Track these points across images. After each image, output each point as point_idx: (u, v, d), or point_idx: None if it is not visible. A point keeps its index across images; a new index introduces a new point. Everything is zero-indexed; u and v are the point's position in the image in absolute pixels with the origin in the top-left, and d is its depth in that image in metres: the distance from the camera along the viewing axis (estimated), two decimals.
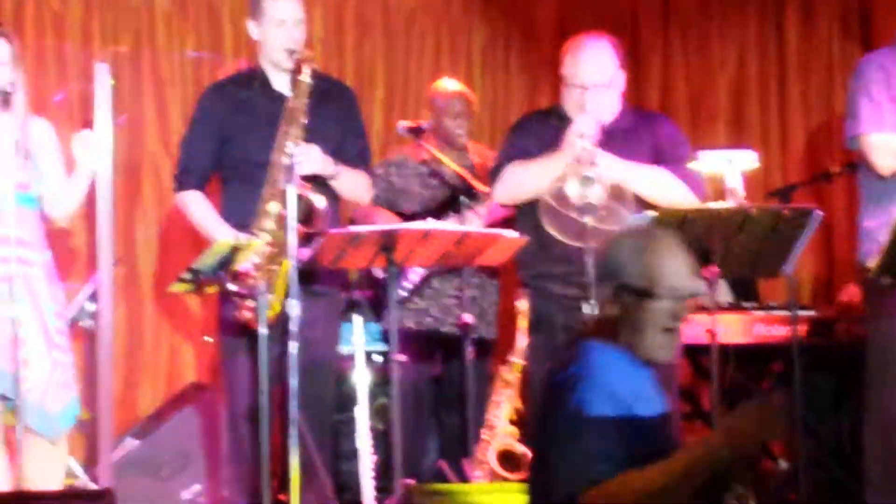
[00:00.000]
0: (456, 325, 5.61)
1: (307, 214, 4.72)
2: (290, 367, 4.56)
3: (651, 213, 4.57)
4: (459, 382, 5.60)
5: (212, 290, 4.71)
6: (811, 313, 5.91)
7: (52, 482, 4.69)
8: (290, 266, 4.61)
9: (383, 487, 5.06)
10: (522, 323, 5.32)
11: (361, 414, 5.09)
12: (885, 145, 4.85)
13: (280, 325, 4.67)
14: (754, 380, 6.05)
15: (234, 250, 4.60)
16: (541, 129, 5.06)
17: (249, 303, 4.70)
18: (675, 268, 3.19)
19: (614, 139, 4.90)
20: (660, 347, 3.19)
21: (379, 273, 5.64)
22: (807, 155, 7.30)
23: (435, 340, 5.85)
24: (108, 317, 5.07)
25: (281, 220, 4.74)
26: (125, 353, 6.45)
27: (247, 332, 4.76)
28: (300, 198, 4.66)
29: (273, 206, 4.82)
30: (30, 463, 4.57)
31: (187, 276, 4.60)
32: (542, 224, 4.80)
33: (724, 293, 5.86)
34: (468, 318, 5.50)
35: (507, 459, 5.42)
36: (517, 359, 5.45)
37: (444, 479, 5.53)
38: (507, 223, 5.35)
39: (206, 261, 4.59)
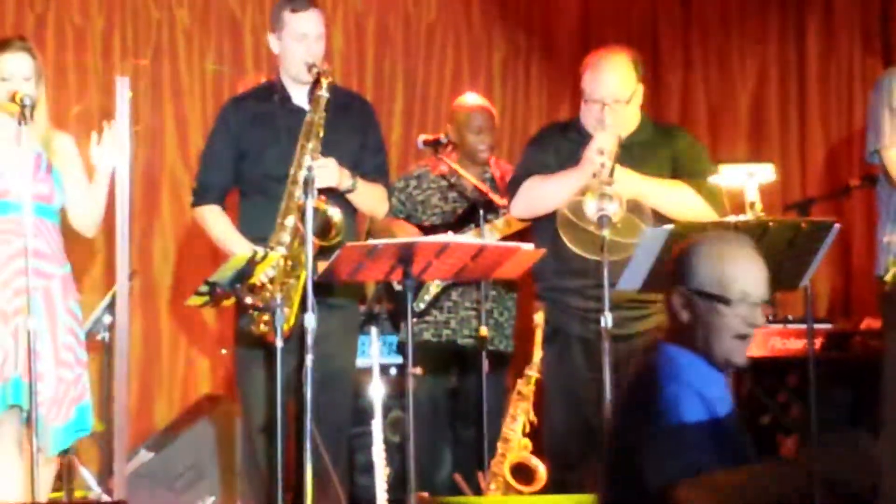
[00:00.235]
0: (472, 338, 5.60)
1: (324, 228, 4.72)
2: (306, 381, 4.56)
3: (669, 227, 4.56)
4: (475, 395, 5.60)
5: (228, 303, 4.72)
6: (828, 326, 5.89)
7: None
8: (306, 279, 4.61)
9: (398, 500, 5.05)
10: (539, 336, 5.31)
11: (376, 426, 5.08)
12: None
13: (296, 338, 4.68)
14: (770, 393, 6.02)
15: (252, 264, 4.60)
16: (559, 143, 5.05)
17: (266, 316, 4.71)
18: (748, 274, 3.20)
19: (633, 152, 4.89)
20: (734, 352, 3.21)
21: (397, 286, 5.64)
22: (826, 169, 7.29)
23: (451, 353, 5.85)
24: (125, 329, 5.06)
25: (298, 234, 4.75)
26: (141, 365, 6.47)
27: (263, 345, 4.77)
28: (317, 211, 4.66)
29: (290, 220, 4.82)
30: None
31: (204, 289, 4.60)
32: (560, 237, 4.79)
33: None
34: (484, 330, 5.50)
35: (522, 472, 5.41)
36: (533, 372, 5.45)
37: (459, 492, 5.52)
38: (522, 235, 5.34)
39: (224, 274, 4.59)
